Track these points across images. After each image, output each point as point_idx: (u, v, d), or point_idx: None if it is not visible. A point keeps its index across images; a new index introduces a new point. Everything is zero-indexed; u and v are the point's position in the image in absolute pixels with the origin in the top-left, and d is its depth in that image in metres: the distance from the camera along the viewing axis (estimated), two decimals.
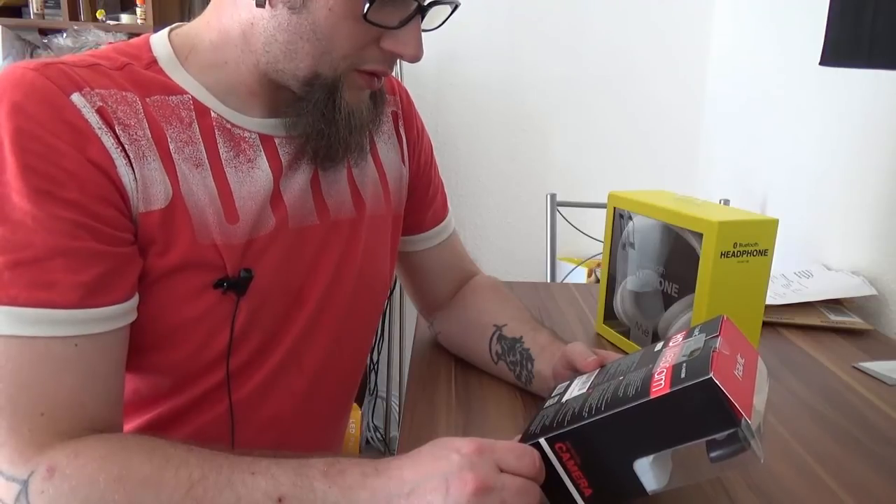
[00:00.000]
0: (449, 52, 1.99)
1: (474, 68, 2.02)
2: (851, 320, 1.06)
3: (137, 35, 0.68)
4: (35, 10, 1.95)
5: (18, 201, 0.52)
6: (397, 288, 2.10)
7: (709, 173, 1.98)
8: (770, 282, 0.85)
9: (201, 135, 0.63)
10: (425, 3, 0.62)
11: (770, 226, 0.79)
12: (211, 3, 0.66)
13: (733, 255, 0.78)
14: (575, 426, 0.51)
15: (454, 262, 0.92)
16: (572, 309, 1.13)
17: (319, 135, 0.65)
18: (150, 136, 0.59)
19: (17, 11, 1.98)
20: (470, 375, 0.85)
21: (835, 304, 1.12)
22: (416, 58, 0.64)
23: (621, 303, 0.96)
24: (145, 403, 0.67)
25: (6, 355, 0.51)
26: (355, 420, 2.05)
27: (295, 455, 0.52)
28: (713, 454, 0.48)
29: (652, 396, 0.47)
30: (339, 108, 0.64)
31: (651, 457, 0.49)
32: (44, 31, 1.97)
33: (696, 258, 0.80)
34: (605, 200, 0.97)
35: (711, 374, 0.45)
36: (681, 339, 0.57)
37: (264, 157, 0.66)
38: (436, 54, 1.98)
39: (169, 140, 0.61)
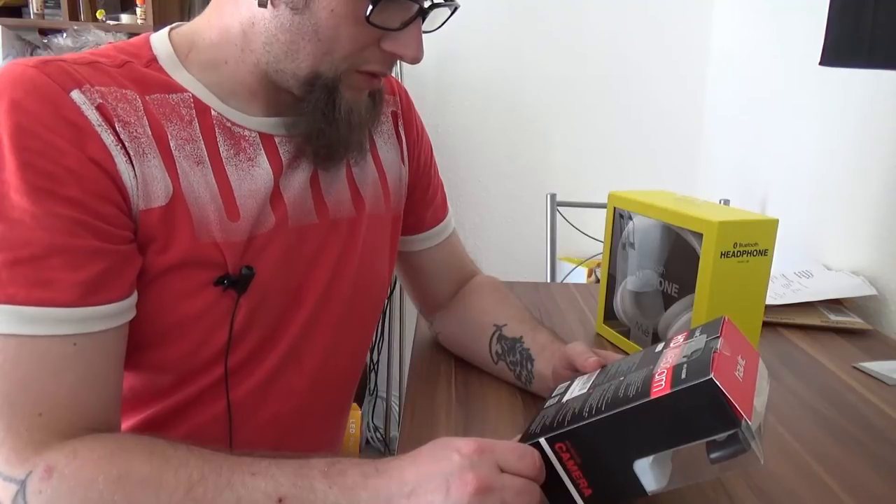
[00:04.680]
0: (449, 51, 1.99)
1: (474, 68, 2.02)
2: (851, 320, 1.06)
3: (137, 35, 0.68)
4: (35, 10, 1.95)
5: (17, 199, 0.52)
6: (397, 288, 2.10)
7: (709, 173, 1.98)
8: (770, 282, 0.85)
9: (201, 133, 0.63)
10: (426, 6, 0.62)
11: (770, 226, 0.79)
12: (212, 1, 0.66)
13: (733, 255, 0.78)
14: (575, 426, 0.51)
15: (454, 262, 0.92)
16: (572, 309, 1.13)
17: (320, 134, 0.65)
18: (150, 133, 0.59)
19: (17, 11, 1.98)
20: (470, 375, 0.85)
21: (835, 304, 1.12)
22: (416, 59, 0.64)
23: (621, 303, 0.96)
24: (143, 401, 0.67)
25: (4, 354, 0.51)
26: (355, 420, 2.05)
27: (295, 455, 0.52)
28: (713, 455, 0.47)
29: (652, 397, 0.47)
30: (339, 107, 0.64)
31: (651, 457, 0.49)
32: (44, 31, 1.97)
33: (696, 258, 0.80)
34: (605, 200, 0.97)
35: (712, 375, 0.45)
36: (682, 339, 0.57)
37: (264, 156, 0.66)
38: (436, 54, 1.98)
39: (169, 137, 0.61)
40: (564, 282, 1.73)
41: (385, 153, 0.80)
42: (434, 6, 0.63)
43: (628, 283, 0.94)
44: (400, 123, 0.82)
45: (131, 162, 0.57)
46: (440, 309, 0.92)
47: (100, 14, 1.93)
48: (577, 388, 0.59)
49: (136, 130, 0.58)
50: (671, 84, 1.99)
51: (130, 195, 0.57)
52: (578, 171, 2.05)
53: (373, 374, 2.24)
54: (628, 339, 0.94)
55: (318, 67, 0.62)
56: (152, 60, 0.63)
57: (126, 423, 0.67)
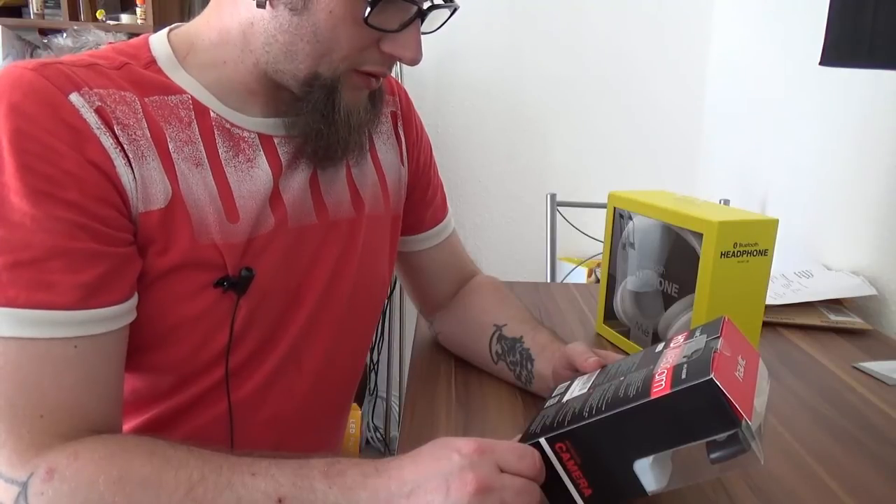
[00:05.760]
0: (449, 52, 1.99)
1: (474, 68, 2.02)
2: (851, 320, 1.06)
3: (137, 35, 0.68)
4: (35, 10, 1.95)
5: (17, 202, 0.52)
6: (397, 288, 2.10)
7: (709, 173, 1.98)
8: (770, 282, 0.85)
9: (200, 134, 0.63)
10: (425, 7, 0.62)
11: (770, 226, 0.79)
12: (211, 2, 0.66)
13: (733, 255, 0.78)
14: (575, 426, 0.51)
15: (454, 262, 0.92)
16: (572, 309, 1.13)
17: (318, 135, 0.65)
18: (149, 135, 0.59)
19: (17, 11, 1.98)
20: (470, 375, 0.85)
21: (835, 304, 1.12)
22: (415, 61, 0.64)
23: (621, 303, 0.96)
24: (144, 403, 0.67)
25: (5, 357, 0.51)
26: (355, 420, 2.05)
27: (295, 455, 0.52)
28: (713, 455, 0.47)
29: (652, 397, 0.47)
30: (339, 108, 0.64)
31: (651, 457, 0.49)
32: (44, 31, 1.97)
33: (696, 258, 0.80)
34: (605, 200, 0.97)
35: (712, 375, 0.45)
36: (682, 340, 0.57)
37: (264, 157, 0.66)
38: (436, 54, 1.98)
39: (168, 140, 0.61)
40: (564, 282, 1.73)
41: (384, 154, 0.80)
42: (433, 7, 0.63)
43: (628, 283, 0.94)
44: (399, 124, 0.82)
45: (130, 164, 0.57)
46: (440, 309, 0.92)
47: (100, 14, 1.93)
48: (578, 388, 0.59)
49: (134, 133, 0.58)
50: (671, 84, 1.99)
51: (130, 198, 0.58)
52: (578, 171, 2.05)
53: (373, 374, 2.24)
54: (628, 339, 0.94)
55: (316, 68, 0.62)
56: (151, 62, 0.63)
57: (128, 425, 0.67)
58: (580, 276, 1.91)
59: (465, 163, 2.08)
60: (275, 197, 0.67)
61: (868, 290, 1.10)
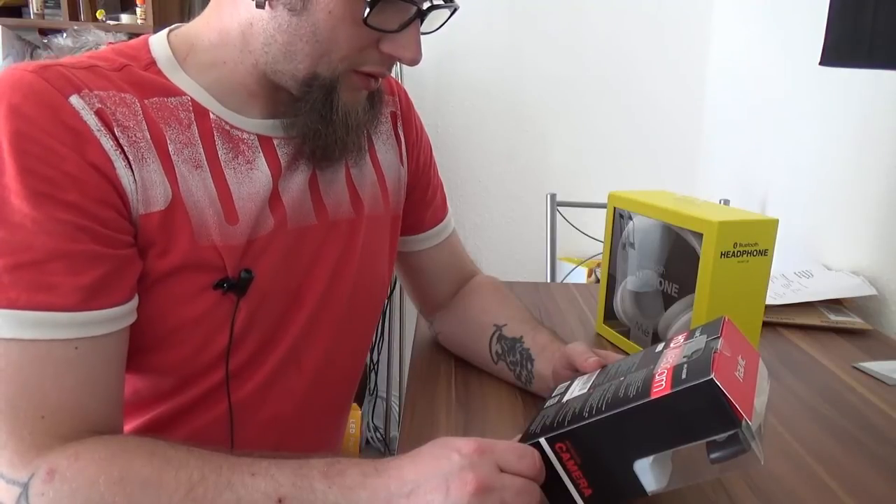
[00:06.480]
0: (449, 52, 1.99)
1: (474, 68, 2.02)
2: (851, 320, 1.06)
3: (137, 35, 0.68)
4: (35, 10, 1.95)
5: (18, 204, 0.52)
6: (397, 288, 2.10)
7: (709, 173, 1.98)
8: (770, 282, 0.85)
9: (200, 136, 0.63)
10: (424, 7, 0.62)
11: (770, 226, 0.79)
12: (210, 3, 0.66)
13: (733, 255, 0.78)
14: (575, 426, 0.51)
15: (454, 262, 0.92)
16: (572, 309, 1.13)
17: (316, 135, 0.65)
18: (149, 137, 0.59)
19: (17, 11, 1.98)
20: (470, 375, 0.85)
21: (835, 304, 1.12)
22: (414, 61, 0.64)
23: (621, 303, 0.96)
24: (145, 404, 0.67)
25: (6, 358, 0.51)
26: (355, 420, 2.06)
27: (295, 456, 0.52)
28: (713, 455, 0.48)
29: (653, 397, 0.48)
30: (337, 108, 0.64)
31: (651, 457, 0.49)
32: (44, 32, 1.97)
33: (696, 258, 0.80)
34: (605, 200, 0.97)
35: (712, 375, 0.45)
36: (682, 340, 0.57)
37: (263, 159, 0.66)
38: (435, 54, 1.98)
39: (168, 142, 0.61)
40: (564, 282, 1.73)
41: (384, 154, 0.80)
42: (433, 7, 0.63)
43: (628, 283, 0.94)
44: (399, 124, 0.82)
45: (130, 167, 0.58)
46: (440, 309, 0.92)
47: (100, 14, 1.93)
48: (578, 388, 0.59)
49: (135, 135, 0.58)
50: (671, 84, 1.99)
51: (130, 200, 0.58)
52: (578, 171, 2.05)
53: (373, 374, 2.24)
54: (628, 339, 0.94)
55: (315, 68, 0.62)
56: (151, 63, 0.63)
57: (129, 426, 0.67)
58: (580, 276, 1.91)
59: (465, 163, 2.08)
60: (274, 198, 0.67)
61: (868, 290, 1.10)
